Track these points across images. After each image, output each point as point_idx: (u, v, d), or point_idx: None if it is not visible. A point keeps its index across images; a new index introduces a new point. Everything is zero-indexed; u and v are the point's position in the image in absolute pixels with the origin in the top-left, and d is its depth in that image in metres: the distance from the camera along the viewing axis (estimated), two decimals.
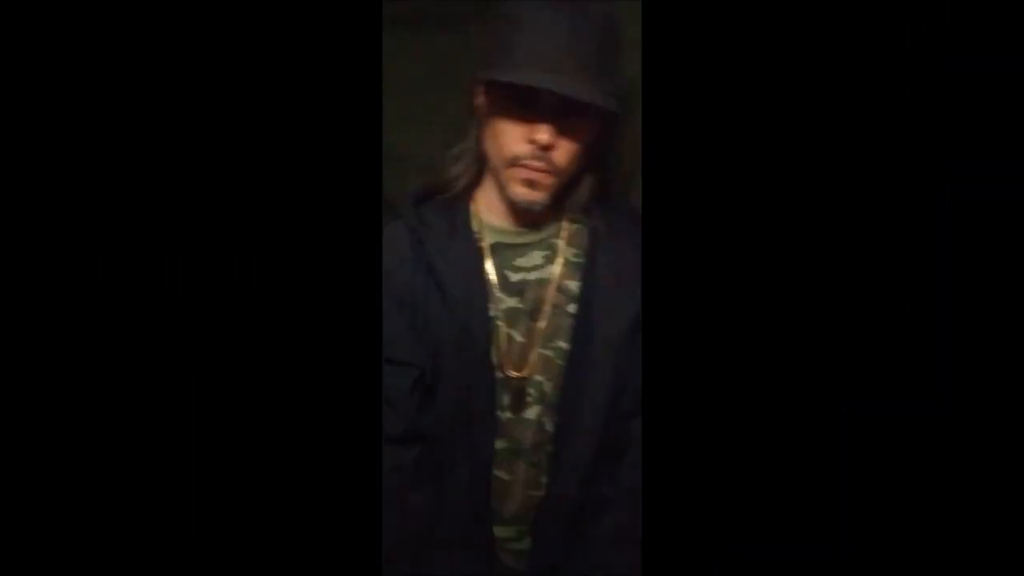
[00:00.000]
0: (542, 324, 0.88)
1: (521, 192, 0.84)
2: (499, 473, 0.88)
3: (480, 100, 0.85)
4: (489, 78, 0.81)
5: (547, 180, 0.84)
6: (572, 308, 0.88)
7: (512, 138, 0.83)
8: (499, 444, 0.88)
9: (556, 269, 0.89)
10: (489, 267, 0.89)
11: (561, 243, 0.90)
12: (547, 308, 0.88)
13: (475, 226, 0.90)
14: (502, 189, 0.87)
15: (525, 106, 0.81)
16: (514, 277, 0.89)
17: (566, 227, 0.90)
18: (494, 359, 0.87)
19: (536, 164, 0.83)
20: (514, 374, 0.87)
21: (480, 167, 0.90)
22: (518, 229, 0.90)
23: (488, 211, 0.90)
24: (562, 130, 0.82)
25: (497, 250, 0.89)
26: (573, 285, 0.89)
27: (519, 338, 0.87)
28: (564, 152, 0.83)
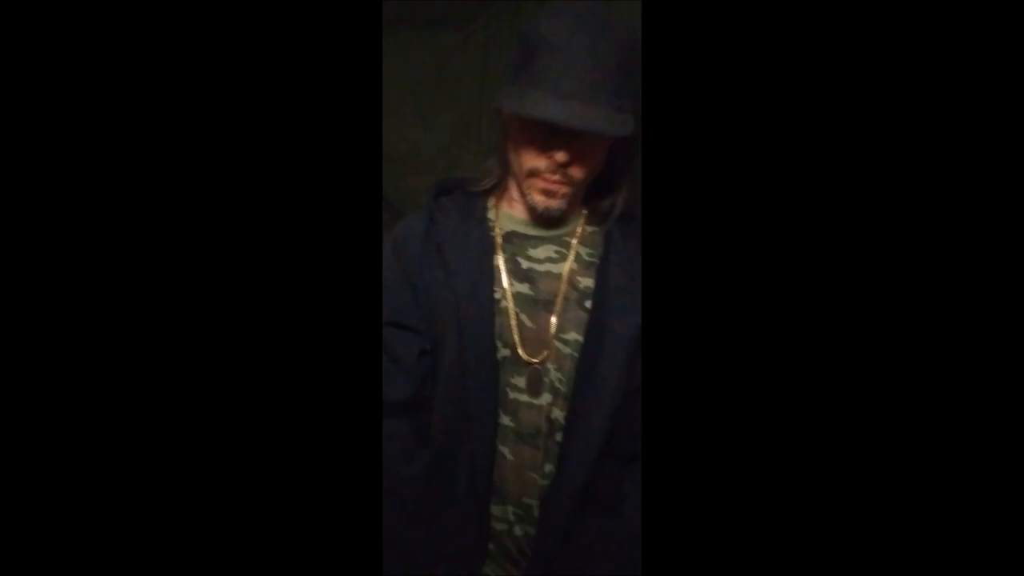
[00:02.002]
0: (555, 314, 0.92)
1: (539, 200, 0.92)
2: (503, 450, 0.90)
3: (506, 116, 0.91)
4: (505, 110, 0.87)
5: (564, 190, 0.91)
6: (587, 304, 0.92)
7: (532, 154, 0.90)
8: (505, 421, 0.90)
9: (568, 265, 0.94)
10: (499, 252, 0.94)
11: (575, 242, 0.96)
12: (560, 300, 0.92)
13: (492, 216, 0.97)
14: (522, 194, 0.94)
15: (543, 128, 0.87)
16: (525, 265, 0.94)
17: (581, 229, 0.96)
18: (503, 339, 0.91)
19: (553, 177, 0.90)
20: (529, 359, 0.91)
21: (504, 172, 0.97)
22: (534, 225, 0.96)
23: (508, 207, 0.97)
24: (579, 148, 0.89)
25: (510, 239, 0.95)
26: (586, 282, 0.94)
27: (530, 324, 0.91)
28: (580, 167, 0.90)
